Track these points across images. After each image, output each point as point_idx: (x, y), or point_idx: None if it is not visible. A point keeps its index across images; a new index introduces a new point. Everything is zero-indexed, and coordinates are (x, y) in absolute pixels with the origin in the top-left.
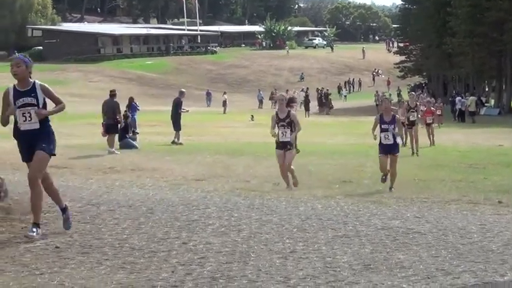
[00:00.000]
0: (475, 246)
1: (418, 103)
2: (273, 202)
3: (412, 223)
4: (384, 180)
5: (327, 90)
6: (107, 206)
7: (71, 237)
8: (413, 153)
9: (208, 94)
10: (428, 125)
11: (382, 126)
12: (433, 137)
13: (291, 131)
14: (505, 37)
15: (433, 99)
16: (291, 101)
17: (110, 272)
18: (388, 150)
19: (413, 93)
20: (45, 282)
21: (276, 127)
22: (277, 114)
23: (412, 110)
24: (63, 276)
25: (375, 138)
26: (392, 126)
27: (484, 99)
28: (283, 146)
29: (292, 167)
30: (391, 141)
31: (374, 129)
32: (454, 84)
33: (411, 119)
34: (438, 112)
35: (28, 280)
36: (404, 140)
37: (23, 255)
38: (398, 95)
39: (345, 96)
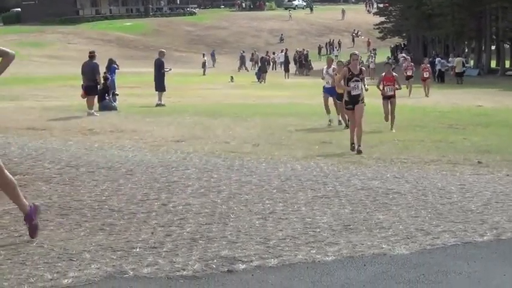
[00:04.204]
0: (454, 207)
1: (363, 68)
2: (252, 163)
3: (391, 183)
4: None
5: (307, 51)
6: (86, 168)
7: (50, 199)
8: (352, 147)
9: (213, 55)
10: (388, 98)
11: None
12: (393, 119)
13: None
14: None
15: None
16: None
17: (89, 233)
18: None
19: (356, 52)
20: (25, 244)
21: None
22: None
23: (355, 78)
24: (42, 238)
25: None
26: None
27: (463, 60)
28: None
29: None
30: None
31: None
32: (434, 45)
33: (353, 93)
34: (425, 74)
35: (7, 242)
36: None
37: (1, 217)
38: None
39: (336, 56)
